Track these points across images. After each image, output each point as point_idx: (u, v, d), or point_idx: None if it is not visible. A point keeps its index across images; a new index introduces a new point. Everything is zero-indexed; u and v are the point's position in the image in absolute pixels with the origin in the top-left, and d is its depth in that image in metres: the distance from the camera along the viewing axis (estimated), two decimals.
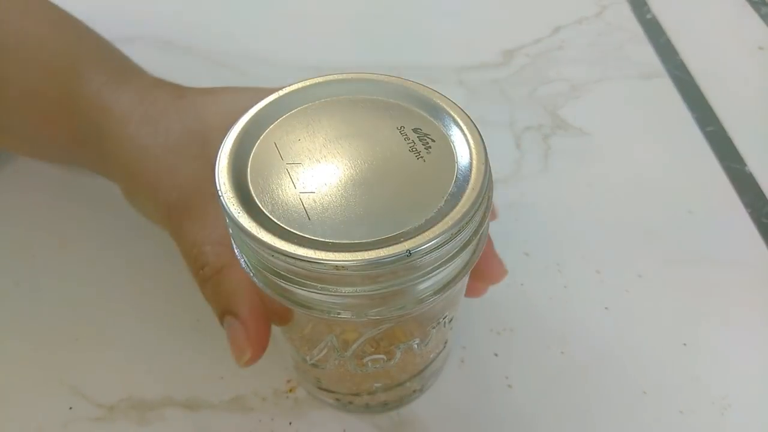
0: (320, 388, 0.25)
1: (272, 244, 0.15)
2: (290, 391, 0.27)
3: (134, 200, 0.27)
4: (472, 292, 0.25)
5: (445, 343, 0.24)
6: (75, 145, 0.28)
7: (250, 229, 0.16)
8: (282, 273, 0.16)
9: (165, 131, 0.25)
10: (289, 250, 0.15)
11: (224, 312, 0.22)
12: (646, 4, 0.48)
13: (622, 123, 0.39)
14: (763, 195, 0.35)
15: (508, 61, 0.43)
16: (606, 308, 0.30)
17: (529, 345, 0.29)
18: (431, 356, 0.24)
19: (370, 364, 0.22)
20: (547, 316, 0.30)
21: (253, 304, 0.22)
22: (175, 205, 0.24)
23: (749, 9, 0.47)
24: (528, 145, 0.38)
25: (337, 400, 0.26)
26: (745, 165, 0.36)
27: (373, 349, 0.21)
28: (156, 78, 0.29)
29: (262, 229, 0.16)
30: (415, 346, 0.22)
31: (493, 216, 0.26)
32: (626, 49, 0.44)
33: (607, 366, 0.28)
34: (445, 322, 0.22)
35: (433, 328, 0.21)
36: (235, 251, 0.18)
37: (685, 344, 0.29)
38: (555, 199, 0.35)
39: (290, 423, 0.26)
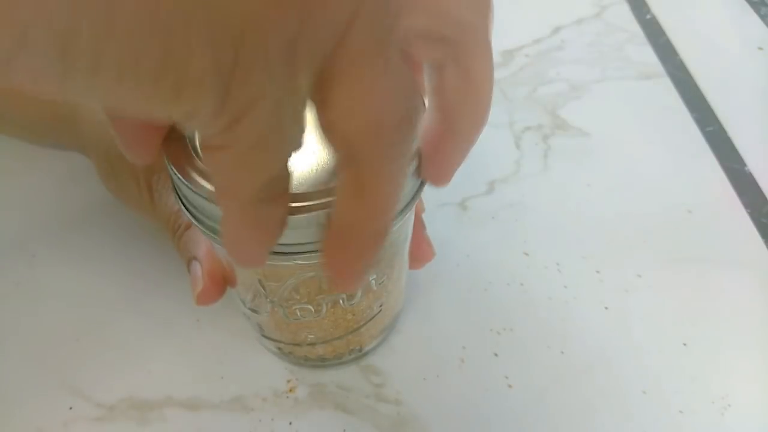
0: (263, 336, 0.27)
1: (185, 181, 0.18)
2: (290, 391, 0.27)
3: (111, 181, 0.29)
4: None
5: (381, 306, 0.25)
6: (57, 123, 0.31)
7: (174, 167, 0.18)
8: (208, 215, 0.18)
9: None
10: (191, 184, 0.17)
11: (189, 259, 0.25)
12: (645, 4, 0.48)
13: (622, 123, 0.39)
14: (763, 195, 0.35)
15: (508, 61, 0.43)
16: (606, 308, 0.30)
17: (529, 345, 0.29)
18: (365, 316, 0.25)
19: (299, 313, 0.23)
20: (547, 316, 0.30)
21: (210, 249, 0.25)
22: (155, 186, 0.26)
23: (749, 9, 0.47)
24: (528, 145, 0.38)
25: (279, 349, 0.27)
26: (744, 165, 0.36)
27: (298, 297, 0.22)
28: None
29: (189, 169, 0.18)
30: (341, 301, 0.23)
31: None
32: (626, 50, 0.44)
33: (607, 366, 0.28)
34: (373, 283, 0.23)
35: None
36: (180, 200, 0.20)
37: (684, 344, 0.29)
38: (555, 199, 0.35)
39: (290, 423, 0.26)
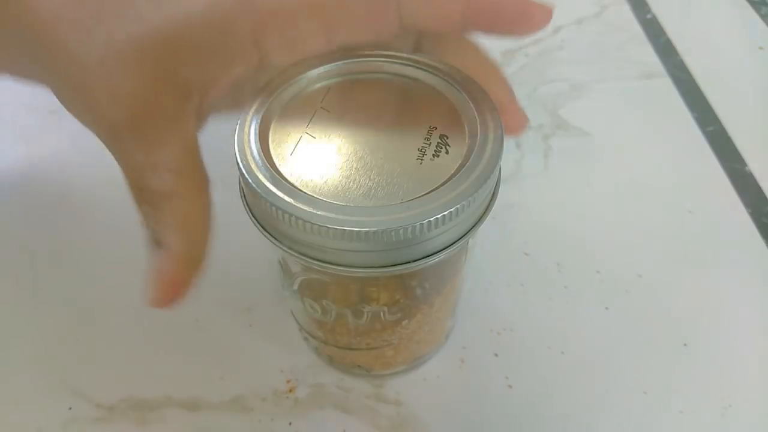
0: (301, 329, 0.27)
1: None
2: (290, 391, 0.27)
3: (71, 108, 0.23)
4: None
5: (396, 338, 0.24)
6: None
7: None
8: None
9: (103, 40, 0.21)
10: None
11: (156, 242, 0.22)
12: (646, 4, 0.48)
13: (622, 123, 0.39)
14: (764, 195, 0.35)
15: (508, 61, 0.43)
16: (606, 308, 0.30)
17: (529, 345, 0.29)
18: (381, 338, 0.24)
19: (311, 308, 0.23)
20: (547, 316, 0.30)
21: (190, 240, 0.21)
22: (118, 124, 0.21)
23: (749, 9, 0.47)
24: (528, 145, 0.38)
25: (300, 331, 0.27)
26: (745, 165, 0.36)
27: (307, 293, 0.22)
28: None
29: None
30: (347, 317, 0.22)
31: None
32: (626, 49, 0.44)
33: (607, 366, 0.28)
34: (382, 315, 0.22)
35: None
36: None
37: (685, 344, 0.29)
38: (555, 199, 0.35)
39: (290, 423, 0.26)
